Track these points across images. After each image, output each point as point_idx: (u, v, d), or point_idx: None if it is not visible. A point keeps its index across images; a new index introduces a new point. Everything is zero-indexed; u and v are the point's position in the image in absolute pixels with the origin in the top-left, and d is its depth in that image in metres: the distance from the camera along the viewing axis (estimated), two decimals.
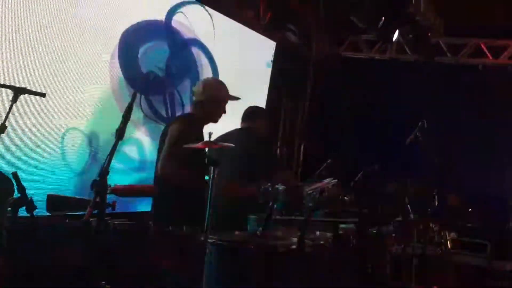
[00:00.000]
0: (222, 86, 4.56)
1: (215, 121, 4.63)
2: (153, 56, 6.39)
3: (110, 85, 5.83)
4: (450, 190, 6.96)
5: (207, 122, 4.64)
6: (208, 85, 4.52)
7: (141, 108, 6.18)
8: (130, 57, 5.98)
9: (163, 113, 6.54)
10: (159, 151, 4.49)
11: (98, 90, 5.71)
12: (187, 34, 6.83)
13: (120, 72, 5.93)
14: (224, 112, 4.72)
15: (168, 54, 6.58)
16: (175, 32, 6.66)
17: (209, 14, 7.04)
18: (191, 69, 6.89)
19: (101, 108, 5.68)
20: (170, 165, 4.20)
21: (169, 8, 6.55)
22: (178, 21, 6.65)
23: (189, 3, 6.77)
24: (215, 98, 4.55)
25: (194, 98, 4.54)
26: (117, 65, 5.89)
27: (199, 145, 4.06)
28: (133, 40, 6.02)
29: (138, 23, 6.07)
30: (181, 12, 6.67)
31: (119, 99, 5.87)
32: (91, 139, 5.57)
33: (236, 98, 4.75)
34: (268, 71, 8.54)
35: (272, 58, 8.53)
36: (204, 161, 4.18)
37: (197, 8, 6.93)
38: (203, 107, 4.49)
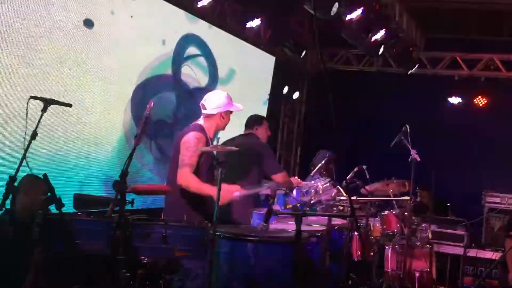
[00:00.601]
0: (230, 99, 4.57)
1: (224, 129, 4.64)
2: (162, 106, 6.39)
3: (123, 133, 5.86)
4: (423, 188, 6.95)
5: (217, 131, 4.63)
6: (219, 99, 4.50)
7: (151, 152, 6.17)
8: (141, 109, 5.94)
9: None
10: (172, 157, 4.45)
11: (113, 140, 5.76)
12: (192, 84, 6.84)
13: (133, 122, 5.95)
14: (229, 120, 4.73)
15: (175, 103, 6.58)
16: (182, 84, 6.67)
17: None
18: (196, 112, 6.85)
19: (117, 152, 5.69)
20: (189, 178, 4.13)
21: (177, 61, 6.55)
22: (185, 73, 6.66)
23: (194, 56, 6.78)
24: (225, 110, 4.54)
25: (205, 111, 4.49)
26: (130, 116, 5.91)
27: (208, 148, 4.09)
28: (144, 94, 6.03)
29: (148, 79, 6.08)
30: (187, 65, 6.69)
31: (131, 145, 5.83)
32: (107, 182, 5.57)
33: (240, 109, 4.76)
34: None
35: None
36: (212, 163, 4.19)
37: (201, 60, 6.94)
38: (214, 118, 4.48)
